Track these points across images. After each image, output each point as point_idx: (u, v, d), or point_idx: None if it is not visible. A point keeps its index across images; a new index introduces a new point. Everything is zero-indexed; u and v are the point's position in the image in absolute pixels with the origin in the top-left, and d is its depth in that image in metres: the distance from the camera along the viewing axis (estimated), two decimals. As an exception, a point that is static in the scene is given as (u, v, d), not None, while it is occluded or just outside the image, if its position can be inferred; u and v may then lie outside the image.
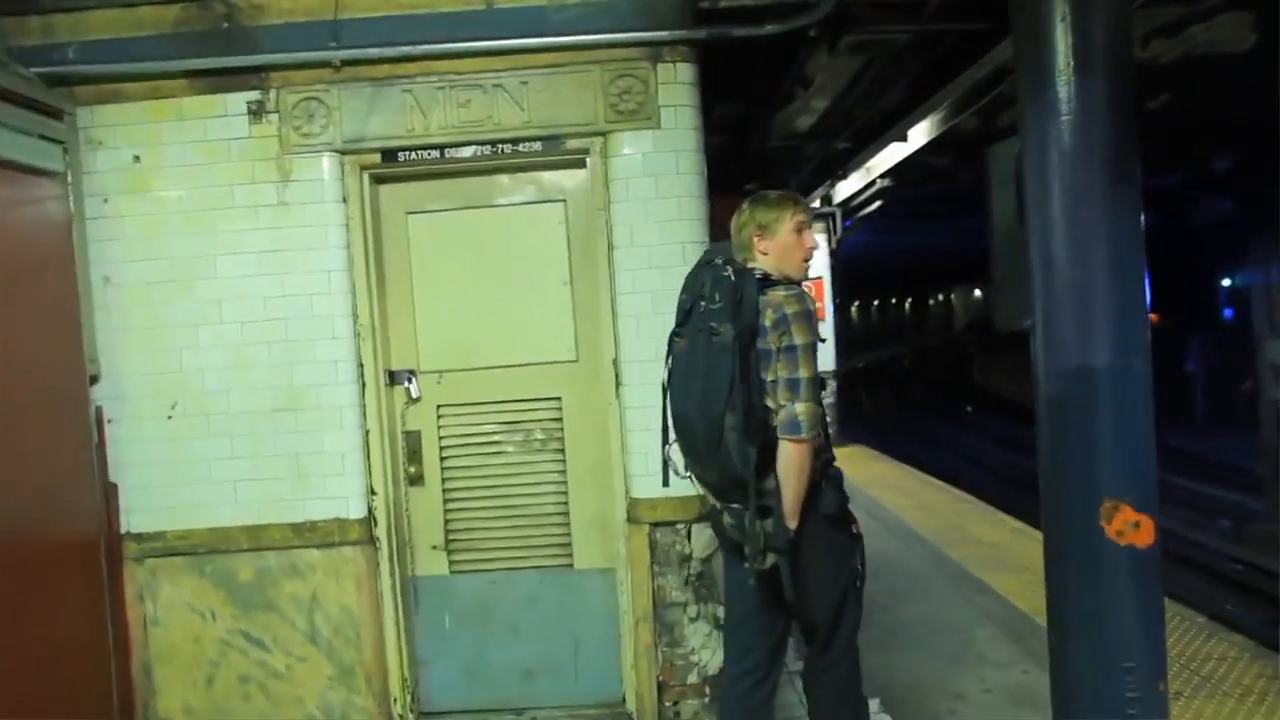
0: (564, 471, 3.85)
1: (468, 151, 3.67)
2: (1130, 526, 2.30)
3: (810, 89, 6.18)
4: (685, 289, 2.59)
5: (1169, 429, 17.98)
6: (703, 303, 2.47)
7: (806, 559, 2.48)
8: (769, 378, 2.41)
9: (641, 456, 3.62)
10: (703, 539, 3.66)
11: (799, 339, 2.40)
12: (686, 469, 2.61)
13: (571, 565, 3.87)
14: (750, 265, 2.57)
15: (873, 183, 9.19)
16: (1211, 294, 17.67)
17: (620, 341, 3.65)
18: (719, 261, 2.53)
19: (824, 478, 2.52)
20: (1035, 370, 2.50)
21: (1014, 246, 2.62)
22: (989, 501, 8.51)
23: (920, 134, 7.35)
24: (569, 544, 3.87)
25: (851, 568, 2.61)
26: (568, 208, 3.82)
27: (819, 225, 11.71)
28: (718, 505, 2.62)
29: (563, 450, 3.85)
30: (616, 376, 3.68)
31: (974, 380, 31.00)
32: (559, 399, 3.84)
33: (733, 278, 2.45)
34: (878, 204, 10.56)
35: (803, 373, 2.38)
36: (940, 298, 44.48)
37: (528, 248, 3.82)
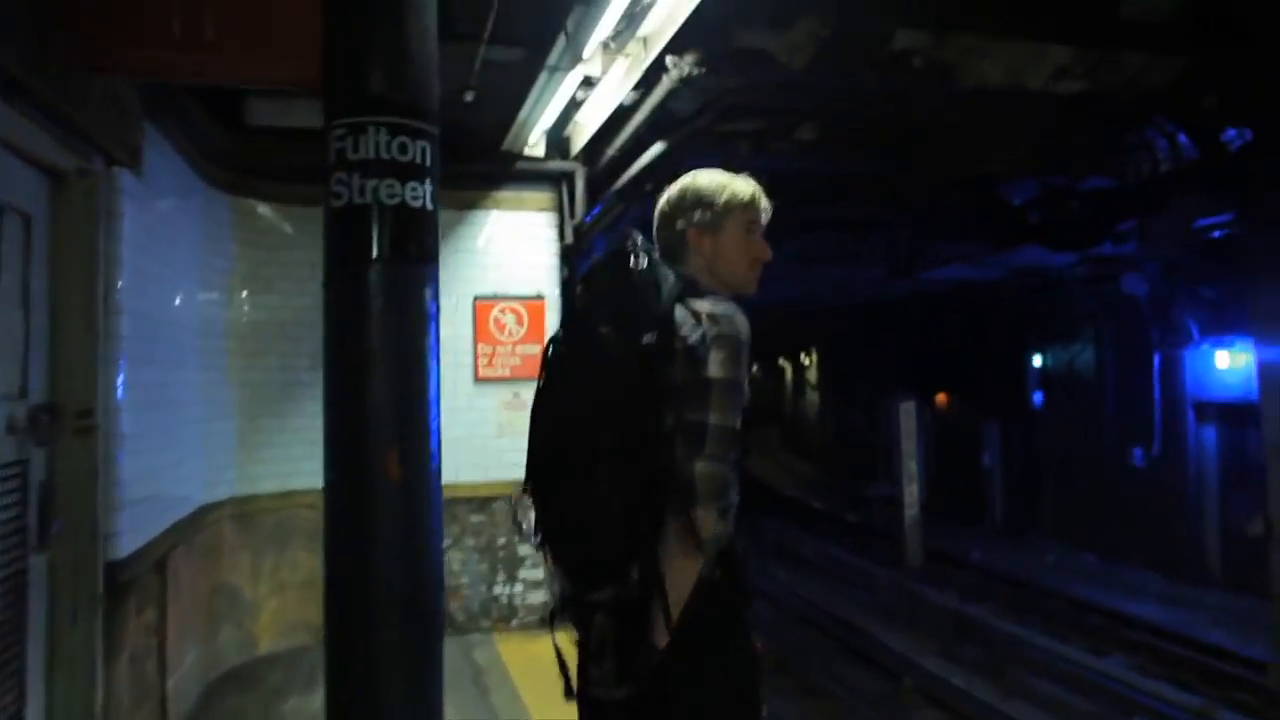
0: None
1: None
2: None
3: None
4: (583, 282, 1.96)
5: (967, 537, 14.62)
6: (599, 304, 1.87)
7: (688, 689, 1.75)
8: (669, 419, 1.75)
9: None
10: None
11: (718, 371, 1.75)
12: (536, 534, 1.87)
13: None
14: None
15: (657, 69, 4.07)
16: (1018, 374, 14.57)
17: None
18: (634, 249, 1.86)
19: (720, 565, 1.79)
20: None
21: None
22: None
23: None
24: None
25: (753, 703, 1.83)
26: None
27: (543, 198, 6.49)
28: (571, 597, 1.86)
29: None
30: None
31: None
32: None
33: (647, 271, 1.84)
34: (660, 151, 5.17)
35: (714, 418, 1.74)
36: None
37: None
